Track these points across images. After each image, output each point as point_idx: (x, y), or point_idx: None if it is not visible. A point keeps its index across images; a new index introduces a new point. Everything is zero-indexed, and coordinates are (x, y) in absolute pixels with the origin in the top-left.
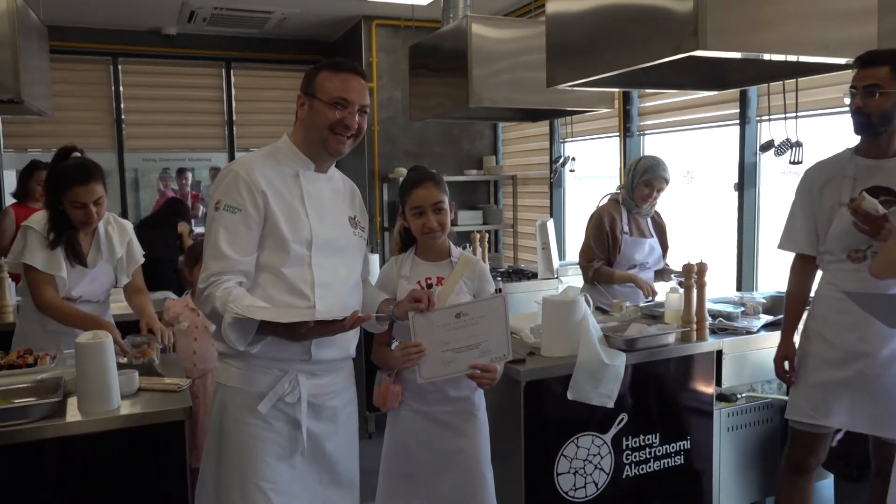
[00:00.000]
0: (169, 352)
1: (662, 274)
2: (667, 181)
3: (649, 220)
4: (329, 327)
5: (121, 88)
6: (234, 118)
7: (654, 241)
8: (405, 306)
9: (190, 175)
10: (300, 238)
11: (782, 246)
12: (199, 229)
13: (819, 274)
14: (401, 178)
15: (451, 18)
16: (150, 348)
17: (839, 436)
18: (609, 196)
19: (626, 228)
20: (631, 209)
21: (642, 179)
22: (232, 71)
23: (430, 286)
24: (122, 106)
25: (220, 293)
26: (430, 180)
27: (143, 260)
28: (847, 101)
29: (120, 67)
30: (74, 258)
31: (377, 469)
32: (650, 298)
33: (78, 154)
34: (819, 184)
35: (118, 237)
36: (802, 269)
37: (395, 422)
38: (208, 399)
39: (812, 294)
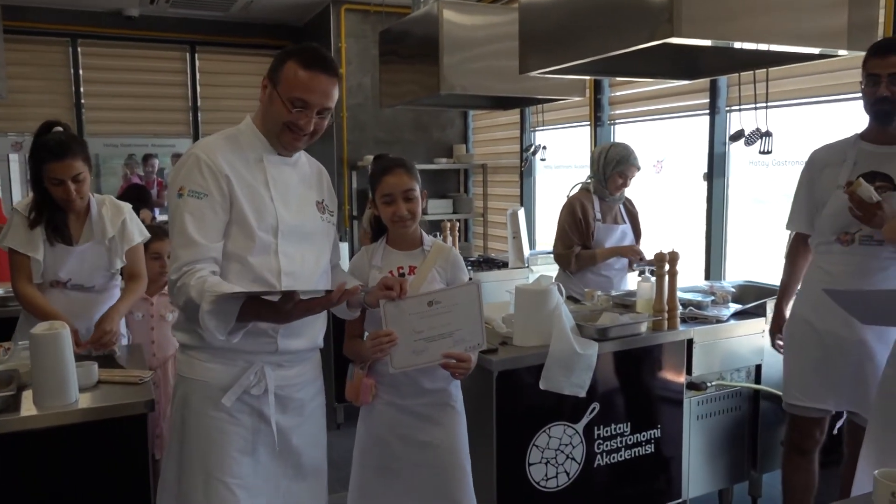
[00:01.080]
0: (128, 341)
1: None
2: (638, 168)
3: (622, 206)
4: (317, 302)
5: (80, 71)
6: (199, 103)
7: (626, 227)
8: (376, 294)
9: (157, 162)
10: (266, 225)
11: (789, 226)
12: (162, 217)
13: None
14: (370, 166)
15: (421, 4)
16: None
17: (840, 423)
18: (580, 185)
19: (598, 216)
20: (604, 197)
21: (616, 170)
22: (197, 55)
23: (402, 275)
24: (82, 89)
25: (194, 282)
26: (400, 167)
27: (137, 240)
28: (863, 87)
29: (80, 49)
30: (56, 236)
31: (345, 460)
32: (641, 262)
33: (60, 129)
34: (821, 165)
35: (111, 217)
36: (799, 250)
37: (368, 415)
38: (169, 388)
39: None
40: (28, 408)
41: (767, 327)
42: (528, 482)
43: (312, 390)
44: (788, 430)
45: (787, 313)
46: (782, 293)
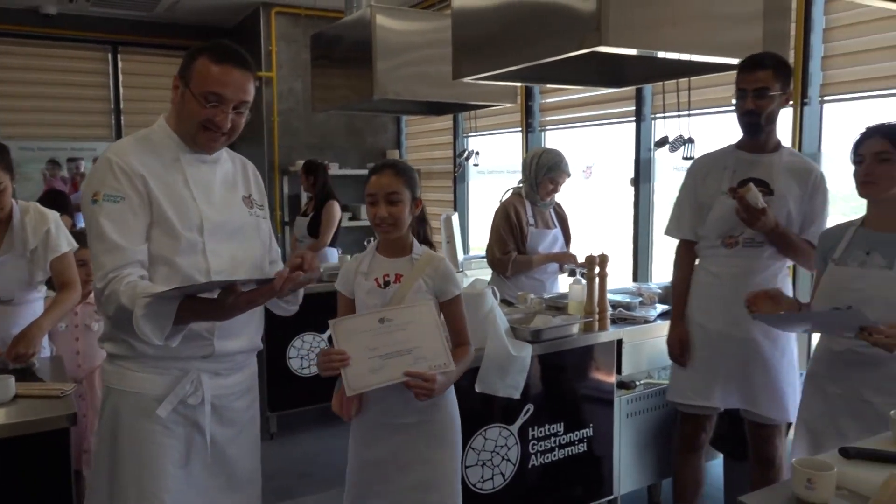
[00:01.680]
0: (47, 352)
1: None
2: (568, 175)
3: (552, 211)
4: (260, 293)
5: None
6: (123, 106)
7: (557, 232)
8: (282, 272)
9: (83, 164)
10: (189, 223)
11: (668, 232)
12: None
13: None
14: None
15: (354, 8)
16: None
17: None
18: (512, 190)
19: (531, 220)
20: (535, 202)
21: (547, 176)
22: (119, 55)
23: (387, 283)
24: None
25: (124, 288)
26: (391, 168)
27: (64, 250)
28: (734, 102)
29: None
30: None
31: (279, 470)
32: (579, 265)
33: None
34: (703, 173)
35: (33, 227)
36: (687, 255)
37: (357, 432)
38: (97, 399)
39: None
40: None
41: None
42: (464, 485)
43: (248, 400)
44: (680, 426)
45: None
46: (677, 302)
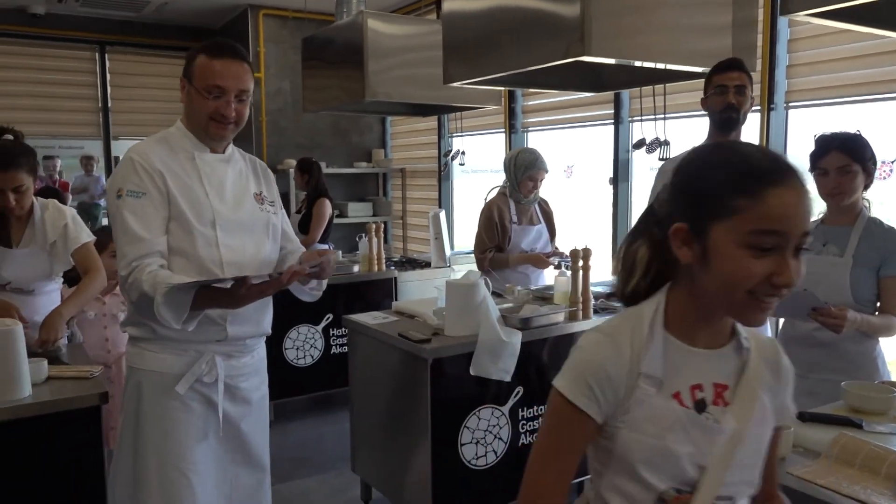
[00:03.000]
0: (77, 339)
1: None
2: (546, 171)
3: (537, 207)
4: (269, 285)
5: None
6: (110, 105)
7: (541, 227)
8: (291, 268)
9: (58, 162)
10: (203, 219)
11: None
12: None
13: None
14: (290, 170)
15: (344, 13)
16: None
17: None
18: (497, 189)
19: (514, 218)
20: (518, 200)
21: (526, 175)
22: (107, 55)
23: (701, 404)
24: None
25: (146, 276)
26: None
27: (84, 240)
28: (705, 98)
29: None
30: None
31: (277, 455)
32: (554, 264)
33: (10, 137)
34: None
35: (52, 221)
36: None
37: None
38: (124, 381)
39: None
40: None
41: None
42: (460, 461)
43: (257, 381)
44: None
45: None
46: None
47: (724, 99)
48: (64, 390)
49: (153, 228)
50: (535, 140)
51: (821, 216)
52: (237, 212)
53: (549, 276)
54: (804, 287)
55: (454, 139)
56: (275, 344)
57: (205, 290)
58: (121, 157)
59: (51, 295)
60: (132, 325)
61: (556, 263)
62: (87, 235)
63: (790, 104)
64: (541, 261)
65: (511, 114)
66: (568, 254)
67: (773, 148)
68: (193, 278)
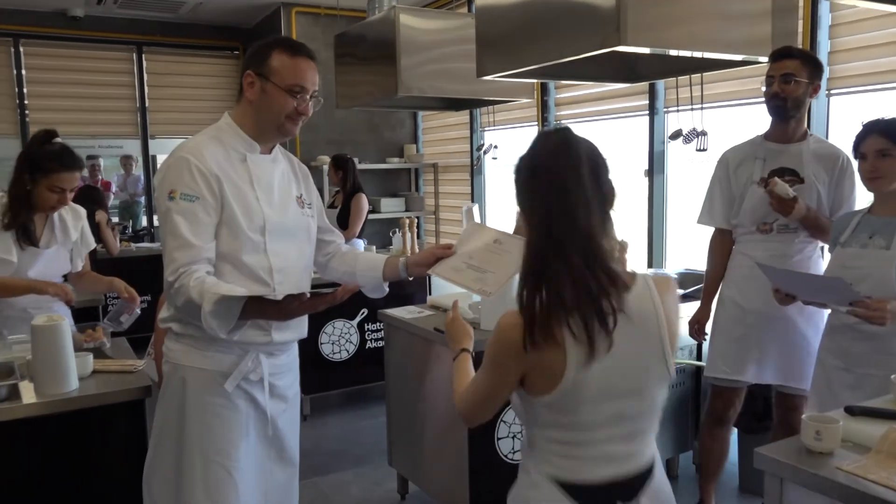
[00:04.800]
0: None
1: None
2: None
3: None
4: (322, 300)
5: (23, 71)
6: (147, 104)
7: None
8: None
9: (101, 161)
10: (254, 225)
11: (701, 220)
12: (116, 219)
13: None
14: (324, 166)
15: (376, 9)
16: (98, 332)
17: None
18: None
19: None
20: None
21: None
22: (144, 55)
23: None
24: (25, 90)
25: (193, 283)
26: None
27: (94, 245)
28: (764, 89)
29: (22, 49)
30: (26, 239)
31: (315, 449)
32: None
33: (59, 140)
34: (734, 164)
35: (72, 221)
36: (721, 243)
37: None
38: None
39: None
40: (30, 396)
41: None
42: (496, 455)
43: (291, 377)
44: (711, 400)
45: (713, 306)
46: (708, 286)
47: (769, 89)
48: (109, 384)
49: (204, 235)
50: None
51: (867, 206)
52: (283, 216)
53: None
54: (850, 281)
55: (486, 133)
56: (310, 339)
57: (254, 301)
58: (158, 156)
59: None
60: (176, 322)
61: None
62: (92, 241)
63: (832, 91)
64: None
65: (544, 106)
66: None
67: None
68: (239, 288)
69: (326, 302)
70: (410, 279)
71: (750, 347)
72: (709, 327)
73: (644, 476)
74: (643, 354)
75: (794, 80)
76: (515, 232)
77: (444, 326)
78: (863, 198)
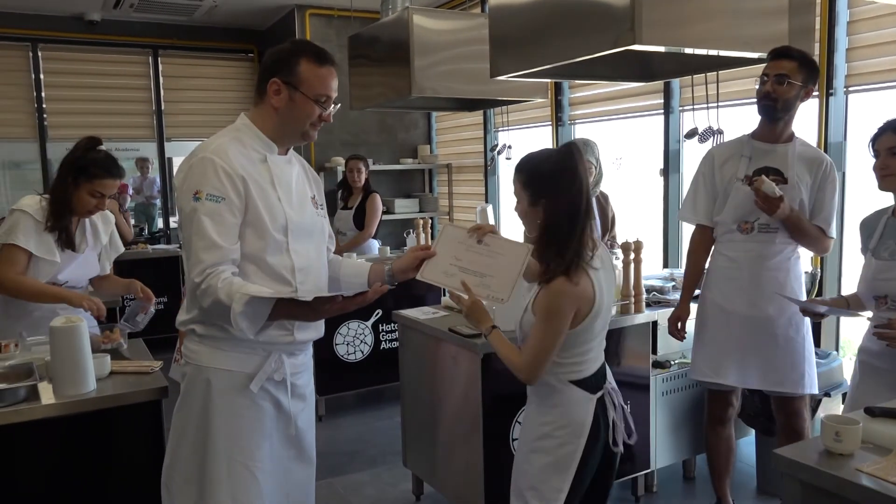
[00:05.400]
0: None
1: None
2: (593, 161)
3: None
4: (352, 301)
5: (41, 76)
6: (163, 107)
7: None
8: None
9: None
10: (277, 225)
11: (683, 217)
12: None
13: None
14: (339, 168)
15: (390, 10)
16: (115, 333)
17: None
18: None
19: None
20: None
21: None
22: (159, 59)
23: None
24: (43, 94)
25: (221, 284)
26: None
27: (122, 249)
28: (757, 86)
29: (40, 54)
30: (65, 243)
31: (330, 449)
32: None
33: (102, 147)
34: (720, 161)
35: (102, 226)
36: (702, 241)
37: None
38: None
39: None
40: (48, 397)
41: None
42: (512, 456)
43: (307, 376)
44: (708, 401)
45: (692, 304)
46: (688, 283)
47: (761, 88)
48: (126, 385)
49: (229, 236)
50: (583, 132)
51: (891, 206)
52: (302, 216)
53: None
54: (884, 293)
55: (500, 133)
56: (325, 340)
57: (283, 302)
58: (174, 158)
59: (85, 291)
60: (200, 324)
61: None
62: (121, 245)
63: (850, 88)
64: None
65: (558, 106)
66: (619, 247)
67: (833, 136)
68: (265, 289)
69: (357, 303)
70: (394, 286)
71: (731, 350)
72: (689, 326)
73: (604, 363)
74: (609, 284)
75: (787, 81)
76: (520, 216)
77: (458, 326)
78: (852, 203)
